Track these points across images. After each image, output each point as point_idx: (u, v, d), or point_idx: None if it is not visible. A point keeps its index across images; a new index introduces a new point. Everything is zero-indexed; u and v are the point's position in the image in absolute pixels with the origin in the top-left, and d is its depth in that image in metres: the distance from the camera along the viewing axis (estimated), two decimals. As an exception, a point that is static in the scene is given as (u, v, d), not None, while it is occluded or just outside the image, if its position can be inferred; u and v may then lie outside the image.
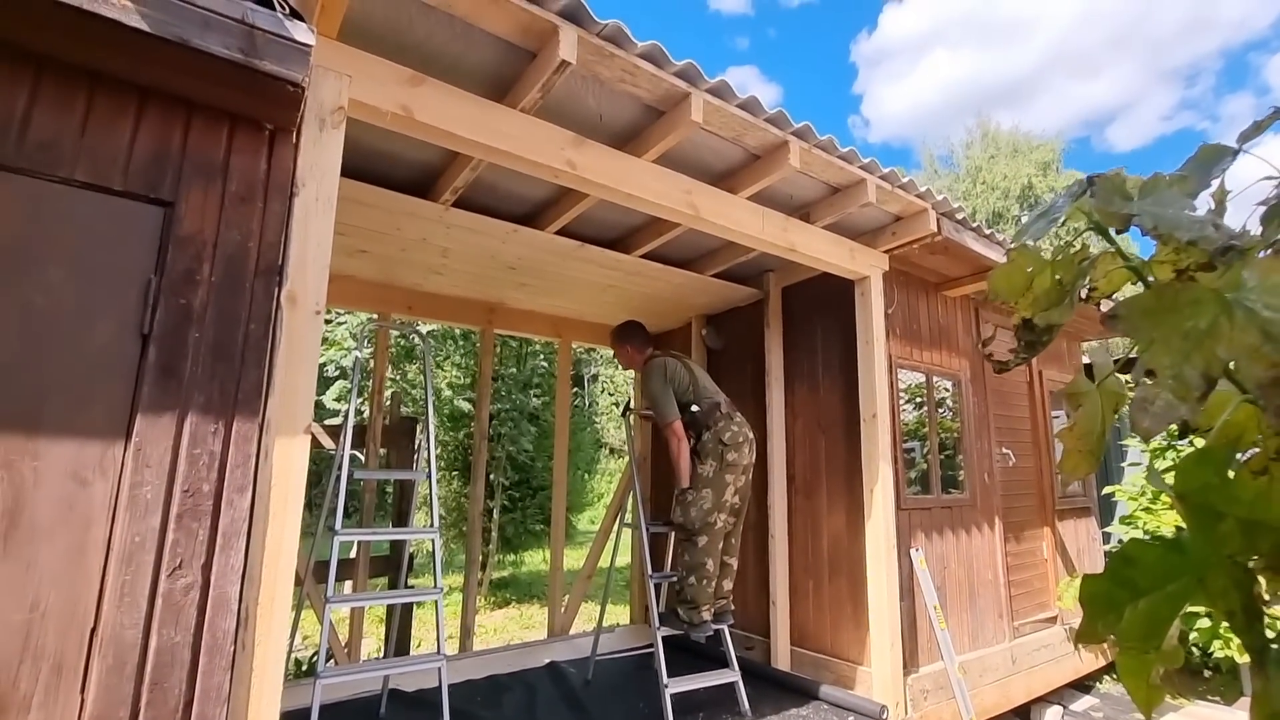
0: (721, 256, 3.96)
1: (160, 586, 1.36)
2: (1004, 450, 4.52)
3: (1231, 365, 0.38)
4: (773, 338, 4.22)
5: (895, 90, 63.51)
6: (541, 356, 9.92)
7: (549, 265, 3.81)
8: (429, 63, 2.12)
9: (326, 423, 7.57)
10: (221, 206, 1.55)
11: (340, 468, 2.85)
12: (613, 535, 4.03)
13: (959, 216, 3.56)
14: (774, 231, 3.12)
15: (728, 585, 3.28)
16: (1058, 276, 0.49)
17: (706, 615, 3.08)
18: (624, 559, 5.27)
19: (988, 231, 3.79)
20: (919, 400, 4.11)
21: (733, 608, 3.30)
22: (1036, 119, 56.31)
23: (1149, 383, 0.39)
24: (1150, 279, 0.45)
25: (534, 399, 9.69)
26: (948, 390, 4.28)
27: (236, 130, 1.60)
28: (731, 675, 3.04)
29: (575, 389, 17.76)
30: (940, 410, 4.23)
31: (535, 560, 10.88)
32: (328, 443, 4.49)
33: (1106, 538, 5.64)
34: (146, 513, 1.37)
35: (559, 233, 3.40)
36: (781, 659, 3.80)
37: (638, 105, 2.46)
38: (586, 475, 14.18)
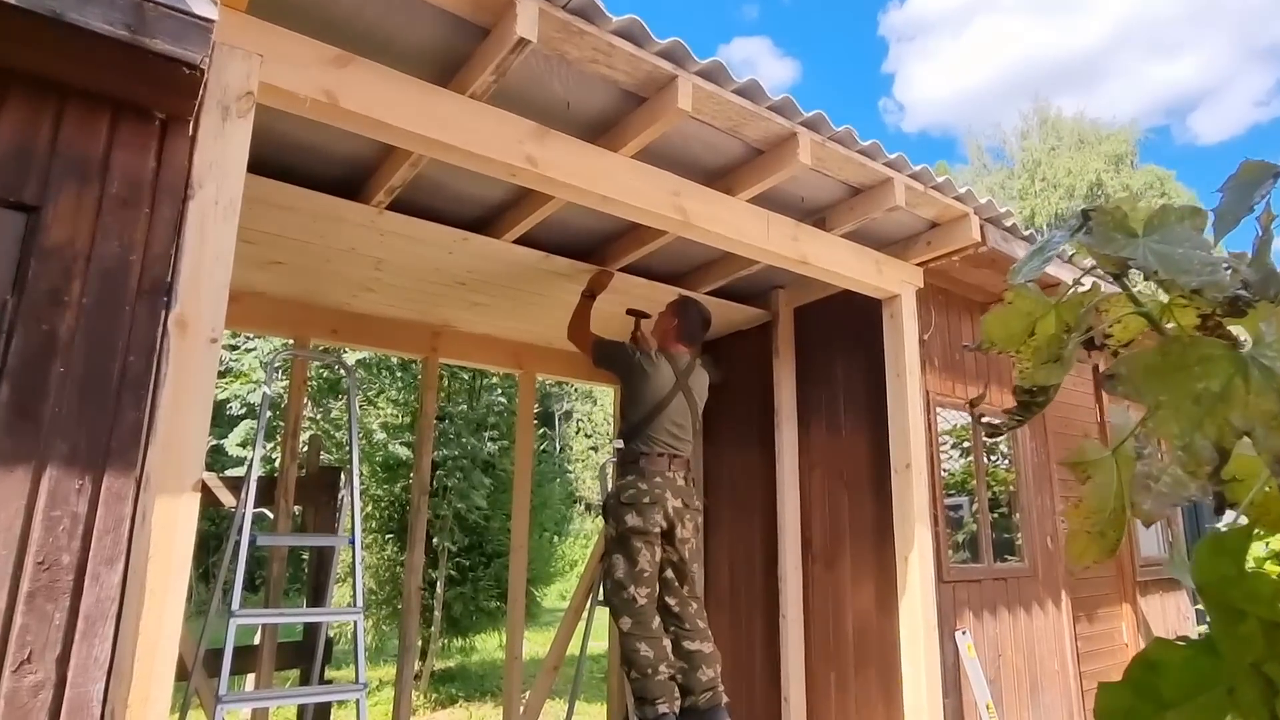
0: (719, 270, 4.02)
1: (3, 685, 1.34)
2: (1069, 508, 4.56)
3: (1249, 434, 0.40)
4: (783, 369, 4.26)
5: (933, 69, 65.27)
6: (499, 391, 9.88)
7: (507, 280, 3.84)
8: (359, 40, 2.17)
9: (228, 473, 7.49)
10: (98, 212, 1.57)
11: (241, 531, 2.84)
12: (585, 614, 4.00)
13: (1008, 223, 3.65)
14: (781, 240, 3.18)
15: (707, 674, 3.23)
16: (1065, 322, 0.53)
17: (664, 709, 3.03)
18: (600, 644, 5.21)
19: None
20: (965, 446, 4.16)
21: (724, 700, 3.24)
22: (1106, 104, 57.85)
23: (1152, 455, 0.41)
24: (1169, 325, 0.48)
25: (489, 444, 9.62)
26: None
27: (120, 121, 1.63)
28: (732, 794, 3.00)
29: (543, 429, 17.70)
30: (991, 458, 4.28)
31: (489, 646, 10.72)
32: (227, 499, 4.45)
33: (1200, 616, 5.66)
34: (-12, 592, 1.36)
35: (519, 241, 3.44)
36: (796, 773, 3.76)
37: (614, 91, 2.52)
38: (555, 538, 14.04)
